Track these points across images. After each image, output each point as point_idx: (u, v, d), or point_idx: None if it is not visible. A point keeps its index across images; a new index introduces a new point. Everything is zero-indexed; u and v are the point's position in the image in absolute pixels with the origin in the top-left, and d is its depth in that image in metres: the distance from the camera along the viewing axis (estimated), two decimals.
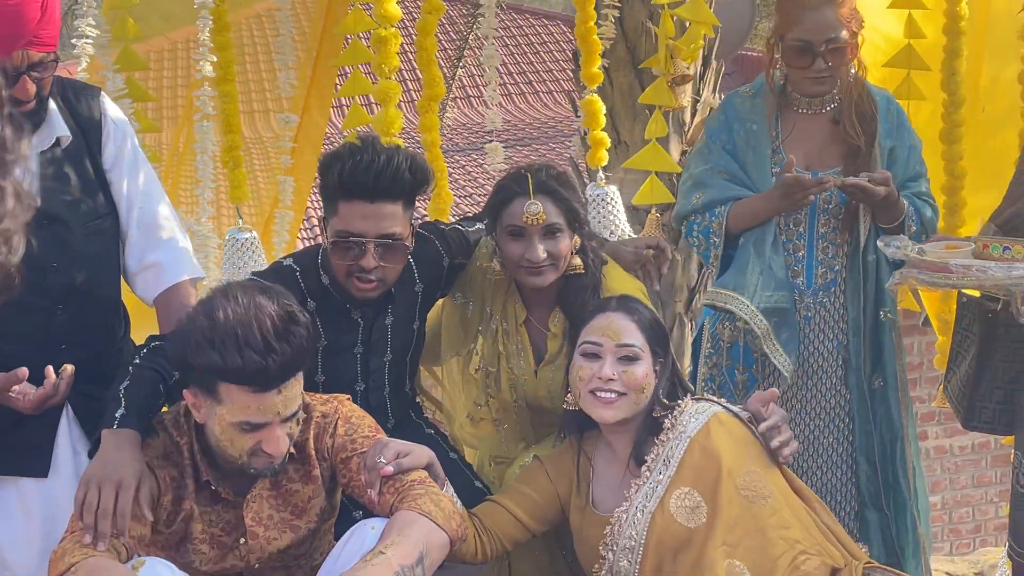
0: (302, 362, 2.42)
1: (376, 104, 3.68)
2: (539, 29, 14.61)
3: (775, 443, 2.71)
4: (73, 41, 3.57)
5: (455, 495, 2.69)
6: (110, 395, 2.54)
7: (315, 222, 8.41)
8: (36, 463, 2.73)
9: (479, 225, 3.19)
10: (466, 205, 9.03)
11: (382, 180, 2.77)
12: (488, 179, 9.53)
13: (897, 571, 2.81)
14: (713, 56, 5.17)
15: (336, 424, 2.61)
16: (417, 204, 2.94)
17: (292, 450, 2.56)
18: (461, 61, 8.64)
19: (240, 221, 3.74)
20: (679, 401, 2.80)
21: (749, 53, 10.89)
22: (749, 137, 3.42)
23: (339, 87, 4.82)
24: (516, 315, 3.14)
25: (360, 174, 2.77)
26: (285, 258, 3.04)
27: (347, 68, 4.08)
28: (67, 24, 5.61)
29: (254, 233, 3.69)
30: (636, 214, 5.00)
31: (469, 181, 10.07)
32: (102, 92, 2.89)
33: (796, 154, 3.37)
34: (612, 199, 3.87)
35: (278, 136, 4.72)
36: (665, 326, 2.98)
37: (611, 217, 3.83)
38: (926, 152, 3.55)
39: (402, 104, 3.59)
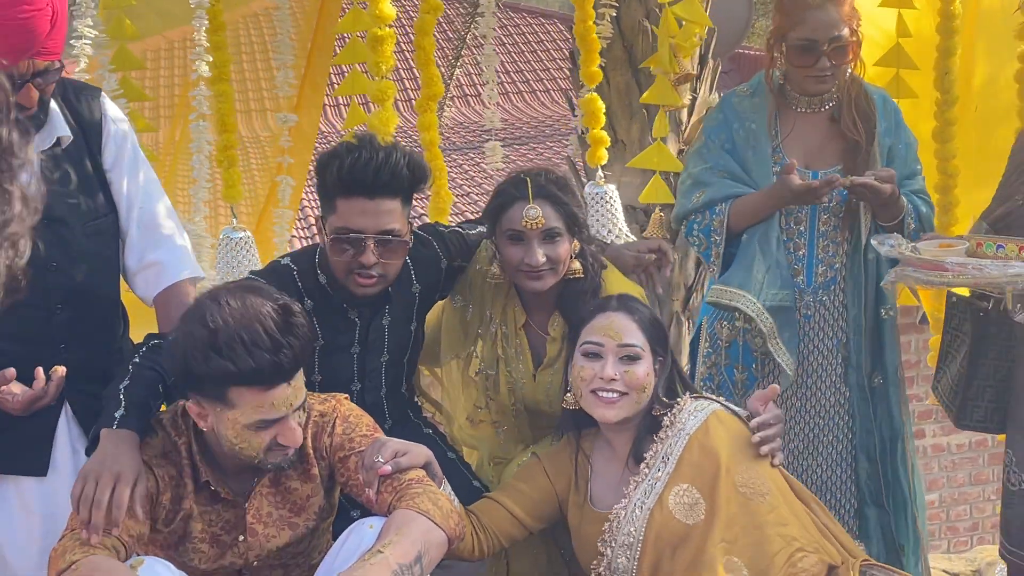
0: (309, 351, 2.45)
1: (372, 103, 3.69)
2: (536, 28, 14.61)
3: (757, 437, 2.72)
4: (72, 42, 3.57)
5: (453, 494, 2.69)
6: (109, 393, 2.54)
7: (311, 220, 8.42)
8: (35, 462, 2.74)
9: (479, 228, 3.19)
10: (464, 204, 9.03)
11: (381, 176, 2.78)
12: (486, 178, 9.55)
13: (895, 569, 2.82)
14: (710, 55, 5.18)
15: (334, 423, 2.61)
16: (416, 205, 2.95)
17: None
18: (459, 61, 8.64)
19: (234, 220, 3.75)
20: (678, 399, 2.82)
21: (746, 52, 10.88)
22: (749, 136, 3.42)
23: (335, 86, 4.82)
24: (515, 319, 3.14)
25: (359, 171, 2.78)
26: (282, 257, 3.05)
27: (342, 66, 4.08)
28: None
29: (248, 232, 3.69)
30: (634, 213, 5.01)
31: (467, 180, 10.07)
32: (103, 92, 2.90)
33: (795, 152, 3.37)
34: (611, 198, 3.87)
35: (275, 135, 4.72)
36: (664, 325, 2.99)
37: (610, 216, 3.84)
38: (918, 151, 3.56)
39: (400, 103, 3.60)
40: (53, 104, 2.68)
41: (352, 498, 2.69)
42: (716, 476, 2.66)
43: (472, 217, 3.87)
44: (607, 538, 2.71)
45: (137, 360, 2.61)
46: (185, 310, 2.47)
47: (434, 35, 4.15)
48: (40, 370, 2.54)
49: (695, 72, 5.06)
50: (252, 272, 3.09)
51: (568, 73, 6.05)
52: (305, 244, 7.87)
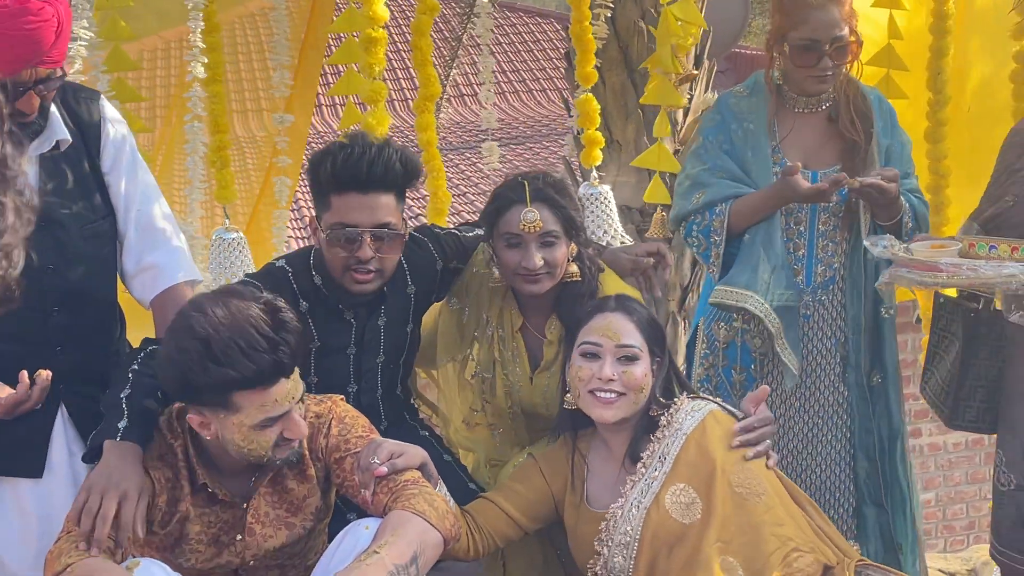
0: (303, 343, 2.45)
1: (363, 104, 3.69)
2: (532, 28, 14.61)
3: (737, 442, 2.73)
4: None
5: (448, 494, 2.70)
6: (110, 401, 2.55)
7: (307, 220, 8.41)
8: (31, 463, 2.74)
9: (476, 231, 3.19)
10: (461, 204, 9.03)
11: (374, 170, 2.80)
12: (483, 179, 9.55)
13: (890, 568, 2.83)
14: (705, 55, 5.17)
15: (330, 424, 2.62)
16: (413, 205, 2.95)
17: None
18: (455, 61, 8.64)
19: (227, 221, 3.74)
20: (675, 399, 2.83)
21: (743, 51, 10.89)
22: (747, 136, 3.42)
23: (330, 85, 4.82)
24: (512, 322, 3.14)
25: (352, 165, 2.80)
26: (277, 259, 3.05)
27: (333, 65, 4.07)
28: None
29: (241, 233, 3.69)
30: (630, 214, 5.01)
31: (463, 180, 10.08)
32: (102, 95, 2.91)
33: (794, 152, 3.38)
34: (606, 199, 3.87)
35: (271, 135, 4.72)
36: (662, 326, 2.99)
37: (605, 217, 3.83)
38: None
39: (397, 103, 3.60)
40: (52, 107, 2.69)
41: (348, 499, 2.70)
42: (712, 476, 2.67)
43: (469, 217, 3.88)
44: (603, 537, 2.72)
45: (136, 367, 2.61)
46: (171, 322, 2.46)
47: (431, 35, 4.15)
48: (24, 374, 2.55)
49: (696, 73, 5.06)
50: (247, 275, 3.10)
51: (564, 73, 6.06)
52: (303, 243, 7.86)
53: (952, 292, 3.26)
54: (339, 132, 3.78)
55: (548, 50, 13.90)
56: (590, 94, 4.01)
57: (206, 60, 3.68)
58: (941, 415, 3.41)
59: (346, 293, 2.93)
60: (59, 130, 2.71)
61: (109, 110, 2.87)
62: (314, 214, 2.94)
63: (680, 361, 4.07)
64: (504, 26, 14.46)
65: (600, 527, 2.73)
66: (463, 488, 3.01)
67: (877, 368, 3.48)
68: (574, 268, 3.05)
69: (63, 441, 2.77)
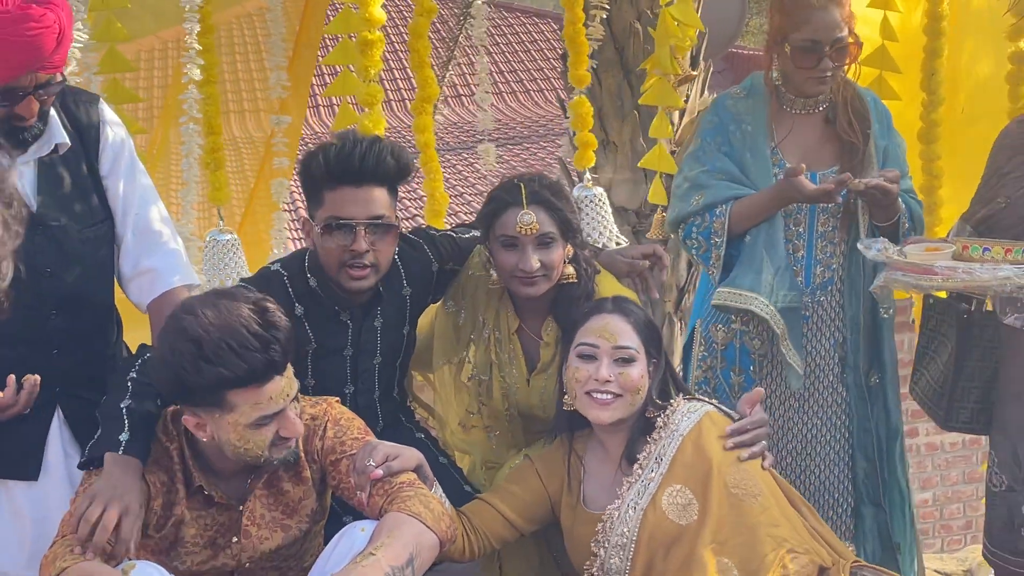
0: (294, 340, 2.46)
1: (354, 103, 3.69)
2: (530, 27, 14.63)
3: (730, 444, 2.73)
4: None
5: (444, 496, 2.70)
6: (109, 410, 2.56)
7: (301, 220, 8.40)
8: (27, 466, 2.74)
9: (472, 233, 3.19)
10: (458, 205, 9.03)
11: (366, 163, 2.81)
12: (480, 179, 9.56)
13: (883, 569, 2.83)
14: (701, 56, 5.18)
15: (326, 426, 2.63)
16: (410, 206, 2.96)
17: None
18: (452, 62, 8.64)
19: (221, 223, 3.74)
20: (671, 400, 2.83)
21: (739, 51, 10.90)
22: (745, 138, 3.41)
23: (325, 86, 4.81)
24: (509, 324, 3.14)
25: (344, 160, 2.81)
26: (272, 263, 3.05)
27: (326, 65, 4.06)
28: None
29: (234, 235, 3.69)
30: (626, 215, 5.01)
31: (460, 181, 10.08)
32: (101, 99, 2.91)
33: (792, 153, 3.38)
34: (600, 200, 3.87)
35: (268, 136, 4.71)
36: (658, 327, 2.99)
37: (600, 218, 3.83)
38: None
39: (395, 103, 3.60)
40: (51, 111, 2.70)
41: (344, 501, 2.70)
42: (709, 477, 2.68)
43: (466, 218, 3.88)
44: (600, 539, 2.73)
45: (135, 375, 2.61)
46: (163, 326, 2.47)
47: (428, 36, 4.15)
48: (12, 378, 2.55)
49: (695, 74, 5.06)
50: (242, 280, 3.12)
51: (561, 74, 6.06)
52: (301, 245, 7.84)
53: (942, 293, 3.26)
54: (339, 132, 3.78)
55: (545, 50, 13.92)
56: (583, 96, 4.00)
57: (202, 62, 3.68)
58: (935, 417, 3.41)
59: (342, 294, 2.93)
60: (58, 134, 2.71)
61: (108, 113, 2.87)
62: (307, 215, 2.94)
63: (676, 362, 4.07)
64: (501, 26, 14.47)
65: (597, 528, 2.74)
66: (459, 490, 3.01)
67: (875, 368, 3.48)
68: (570, 270, 3.05)
69: (59, 444, 2.77)
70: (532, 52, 14.26)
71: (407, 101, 10.96)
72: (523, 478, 2.89)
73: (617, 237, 3.84)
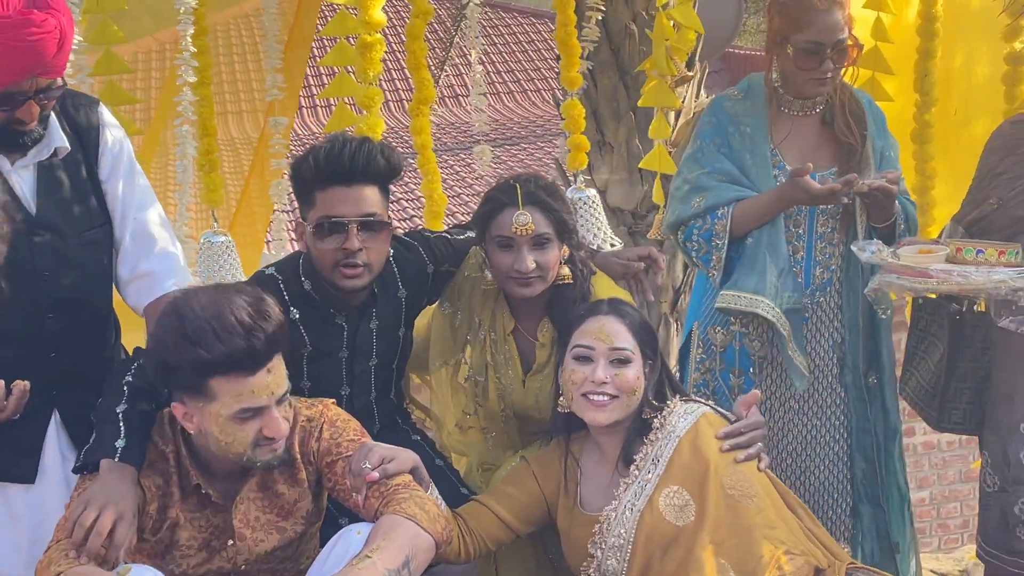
0: (283, 337, 2.46)
1: (352, 104, 3.69)
2: (527, 27, 14.63)
3: (726, 446, 2.74)
4: None
5: (440, 498, 2.70)
6: (104, 414, 2.56)
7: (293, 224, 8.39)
8: (23, 469, 2.74)
9: (468, 234, 3.19)
10: (455, 205, 9.03)
11: (357, 162, 2.81)
12: (477, 179, 9.55)
13: (876, 570, 2.84)
14: (697, 58, 5.18)
15: (322, 428, 2.63)
16: (407, 207, 2.96)
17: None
18: (447, 62, 8.64)
19: (215, 225, 3.74)
20: (668, 402, 2.83)
21: (736, 51, 10.90)
22: (745, 140, 3.40)
23: (323, 87, 4.81)
24: (504, 325, 3.14)
25: (334, 160, 2.81)
26: (267, 267, 3.05)
27: (319, 64, 4.05)
28: None
29: (229, 236, 3.69)
30: (622, 216, 5.02)
31: (457, 181, 10.07)
32: (100, 103, 2.91)
33: (791, 155, 3.37)
34: (594, 202, 3.87)
35: (266, 137, 4.71)
36: (653, 328, 2.99)
37: (593, 220, 3.83)
38: None
39: (392, 104, 3.59)
40: (51, 115, 2.70)
41: (340, 503, 2.70)
42: (705, 478, 2.68)
43: (463, 218, 3.88)
44: (597, 540, 2.73)
45: (131, 379, 2.61)
46: (159, 314, 2.50)
47: (425, 36, 4.15)
48: (1, 383, 2.55)
49: (692, 75, 5.06)
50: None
51: (558, 74, 6.06)
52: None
53: (933, 294, 3.27)
54: (327, 134, 3.78)
55: (542, 50, 13.93)
56: (576, 98, 4.01)
57: (197, 64, 3.68)
58: (927, 418, 3.42)
59: (337, 297, 2.93)
60: (57, 138, 2.72)
61: (108, 117, 2.88)
62: (299, 217, 2.95)
63: (672, 363, 4.07)
64: (499, 26, 14.48)
65: (593, 530, 2.74)
66: (455, 492, 3.01)
67: (873, 369, 3.48)
68: (566, 271, 3.05)
69: (56, 447, 2.77)
70: (529, 52, 14.27)
71: (404, 102, 10.96)
72: (519, 480, 2.90)
73: (612, 239, 3.84)
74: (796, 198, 3.27)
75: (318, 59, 4.75)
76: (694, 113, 4.98)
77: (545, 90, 13.37)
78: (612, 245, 3.77)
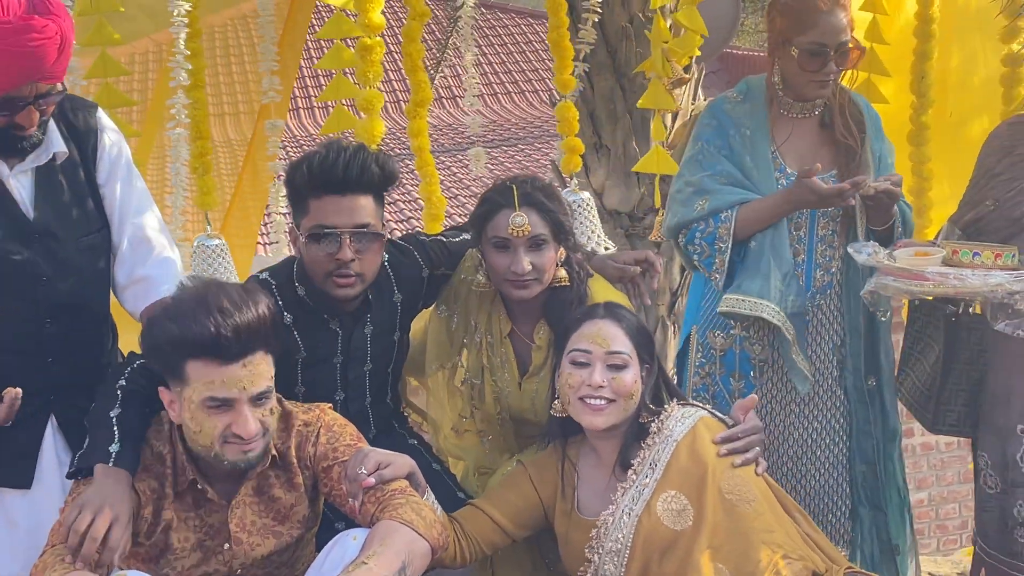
0: (264, 333, 2.46)
1: (350, 106, 3.68)
2: (524, 28, 14.63)
3: (724, 451, 2.73)
4: None
5: (436, 503, 2.70)
6: (98, 418, 2.56)
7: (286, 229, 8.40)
8: (20, 474, 2.74)
9: (464, 236, 3.19)
10: (452, 207, 9.02)
11: (351, 171, 2.80)
12: (474, 181, 9.54)
13: (871, 575, 2.84)
14: (694, 59, 5.16)
15: (318, 433, 2.63)
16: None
17: (275, 453, 2.58)
18: (442, 63, 8.62)
19: (209, 228, 3.74)
20: (665, 406, 2.83)
21: (733, 51, 10.90)
22: (745, 142, 3.39)
23: (321, 88, 4.80)
24: (501, 327, 3.14)
25: (328, 168, 2.80)
26: (261, 272, 3.05)
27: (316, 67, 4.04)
28: None
29: (222, 240, 3.68)
30: (619, 218, 5.01)
31: (455, 182, 10.06)
32: (99, 107, 2.91)
33: (791, 157, 3.37)
34: (587, 205, 3.87)
35: (251, 139, 4.71)
36: (650, 332, 2.99)
37: (587, 223, 3.82)
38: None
39: (388, 106, 3.59)
40: (50, 120, 2.70)
41: (336, 509, 2.70)
42: (703, 482, 2.68)
43: (460, 220, 3.87)
44: (594, 545, 2.73)
45: (124, 384, 2.61)
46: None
47: (423, 37, 4.14)
48: None
49: (688, 77, 5.05)
50: None
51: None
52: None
53: (928, 296, 3.27)
54: (325, 136, 3.77)
55: (540, 51, 13.93)
56: (569, 101, 4.01)
57: (189, 67, 3.67)
58: (922, 420, 3.42)
59: (330, 302, 2.92)
60: (56, 142, 2.72)
61: (106, 121, 2.88)
62: (293, 223, 2.94)
63: (670, 367, 4.06)
64: (496, 27, 14.48)
65: (591, 534, 2.73)
66: (452, 497, 3.01)
67: (872, 371, 3.48)
68: (563, 273, 3.04)
69: (53, 452, 2.77)
70: (527, 53, 14.28)
71: (402, 103, 10.96)
72: (516, 484, 2.89)
73: (605, 242, 3.84)
74: (804, 200, 3.26)
75: (315, 61, 4.74)
76: (691, 115, 4.97)
77: (543, 91, 13.38)
78: (605, 248, 3.77)
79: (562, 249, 3.04)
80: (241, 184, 4.95)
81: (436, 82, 8.97)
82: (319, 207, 2.83)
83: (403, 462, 2.56)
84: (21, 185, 2.68)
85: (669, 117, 4.96)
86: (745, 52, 11.83)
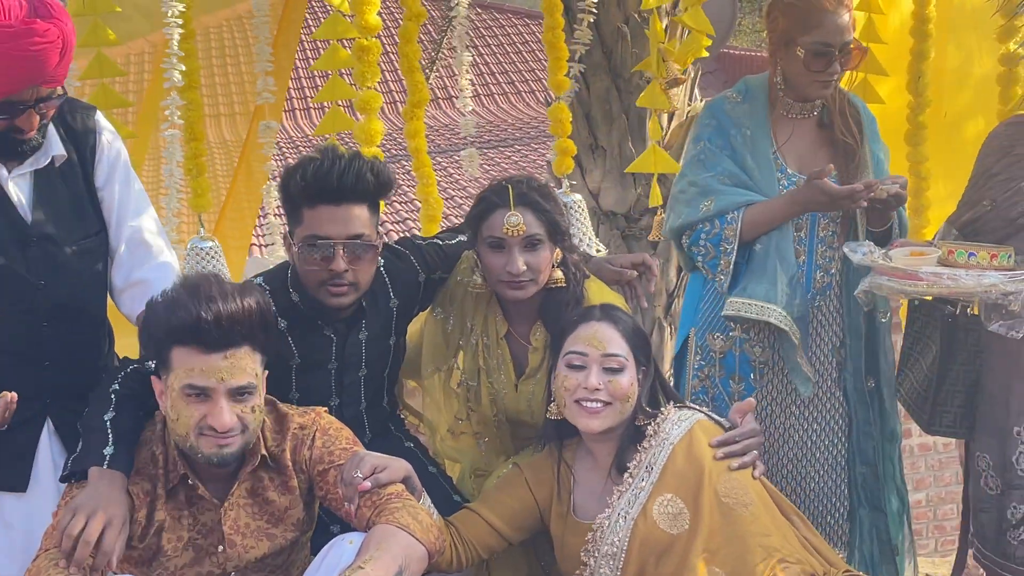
0: (248, 327, 2.46)
1: (345, 106, 3.66)
2: (521, 29, 14.63)
3: (721, 454, 2.72)
4: None
5: (432, 506, 2.69)
6: (92, 422, 2.55)
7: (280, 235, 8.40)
8: (16, 477, 2.73)
9: (460, 238, 3.18)
10: (447, 207, 9.01)
11: (345, 181, 2.78)
12: (471, 181, 9.53)
13: None
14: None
15: (314, 436, 2.63)
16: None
17: (265, 453, 2.58)
18: (437, 63, 8.61)
19: (202, 230, 3.72)
20: (662, 409, 2.82)
21: (730, 51, 10.89)
22: (746, 141, 3.37)
23: (317, 89, 4.79)
24: (497, 329, 3.13)
25: (322, 178, 2.78)
26: (255, 277, 3.04)
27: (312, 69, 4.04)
28: None
29: (216, 242, 3.67)
30: (615, 219, 5.00)
31: (451, 184, 10.06)
32: (97, 110, 2.91)
33: (791, 158, 3.36)
34: (579, 207, 3.87)
35: (245, 140, 4.69)
36: (647, 335, 2.98)
37: (578, 225, 3.82)
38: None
39: (385, 107, 3.58)
40: (49, 123, 2.70)
41: (332, 512, 2.69)
42: (700, 486, 2.67)
43: (457, 221, 3.87)
44: (590, 548, 2.72)
45: (118, 388, 2.61)
46: None
47: (419, 38, 4.13)
48: None
49: (684, 77, 5.04)
50: None
51: None
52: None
53: (928, 296, 3.26)
54: (323, 137, 3.76)
55: (536, 51, 13.92)
56: (562, 102, 4.00)
57: (183, 68, 3.65)
58: (919, 420, 3.41)
59: (324, 309, 2.91)
60: (55, 146, 2.72)
61: (105, 125, 2.88)
62: (287, 230, 2.93)
63: (666, 368, 4.06)
64: (493, 27, 14.48)
65: (587, 538, 2.73)
66: (448, 500, 3.00)
67: (872, 372, 3.47)
68: (559, 274, 3.03)
69: (48, 455, 2.76)
70: (523, 53, 14.27)
71: (398, 104, 10.95)
72: (511, 486, 2.88)
73: (596, 244, 3.83)
74: (814, 201, 3.25)
75: (311, 62, 4.73)
76: (687, 115, 4.96)
77: (539, 91, 13.38)
78: (597, 251, 3.76)
79: (558, 251, 3.03)
80: (236, 185, 4.93)
81: (432, 82, 8.96)
82: (313, 216, 2.81)
83: (399, 466, 2.56)
84: (19, 189, 2.68)
85: (665, 117, 4.95)
86: (742, 52, 11.83)
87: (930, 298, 3.24)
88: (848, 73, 3.43)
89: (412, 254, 3.10)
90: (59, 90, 2.61)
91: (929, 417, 3.34)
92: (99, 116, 2.87)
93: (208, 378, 2.42)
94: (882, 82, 4.05)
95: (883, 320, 3.44)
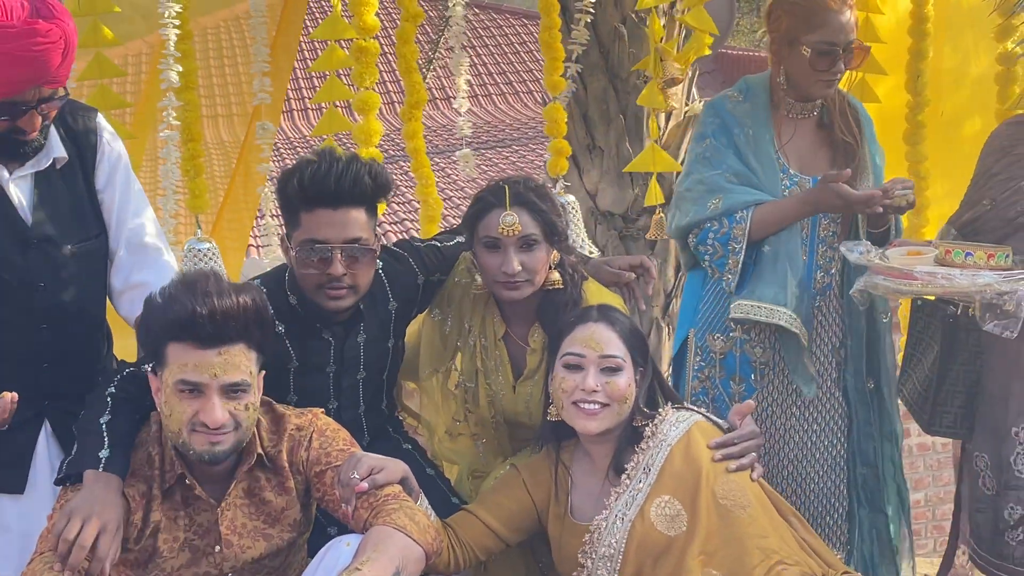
0: (243, 324, 2.46)
1: (343, 107, 3.66)
2: (519, 29, 14.62)
3: (719, 455, 2.72)
4: None
5: (430, 508, 2.68)
6: (87, 425, 2.55)
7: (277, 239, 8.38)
8: (13, 479, 2.73)
9: (457, 239, 3.17)
10: (445, 208, 8.99)
11: (343, 184, 2.77)
12: (469, 182, 9.53)
13: None
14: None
15: (311, 437, 2.62)
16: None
17: (261, 453, 2.58)
18: (433, 63, 8.61)
19: (199, 231, 3.72)
20: (659, 410, 2.81)
21: (728, 51, 10.89)
22: (749, 141, 3.36)
23: (315, 90, 4.79)
24: (495, 330, 3.12)
25: (320, 181, 2.77)
26: (253, 279, 3.03)
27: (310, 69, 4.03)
28: None
29: (213, 243, 3.67)
30: (612, 219, 4.99)
31: (449, 184, 10.05)
32: (99, 113, 2.90)
33: (792, 158, 3.36)
34: (573, 209, 3.86)
35: (243, 141, 4.69)
36: (644, 336, 2.97)
37: (571, 227, 3.81)
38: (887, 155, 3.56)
39: (383, 106, 3.58)
40: (50, 124, 2.69)
41: (329, 514, 2.69)
42: (697, 487, 2.67)
43: (454, 222, 3.85)
44: (587, 550, 2.72)
45: (114, 391, 2.61)
46: None
47: (416, 39, 4.13)
48: None
49: (681, 77, 5.03)
50: None
51: None
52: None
53: (930, 296, 3.26)
54: (320, 138, 3.75)
55: (534, 52, 13.91)
56: (558, 103, 4.00)
57: (180, 68, 3.65)
58: (919, 421, 3.41)
59: (322, 312, 2.90)
60: (56, 148, 2.72)
61: (106, 127, 2.87)
62: (284, 233, 2.92)
63: (664, 368, 4.05)
64: (491, 28, 14.47)
65: (584, 539, 2.72)
66: (446, 502, 3.00)
67: (872, 372, 3.47)
68: (556, 275, 3.03)
69: (46, 457, 2.76)
70: (521, 54, 14.27)
71: (396, 104, 10.94)
72: (508, 487, 2.88)
73: (589, 246, 3.83)
74: (828, 204, 3.24)
75: (309, 63, 4.73)
76: (685, 115, 4.96)
77: (536, 92, 13.37)
78: (591, 252, 3.75)
79: (555, 252, 3.03)
80: (233, 187, 4.92)
81: (429, 83, 8.96)
82: (310, 220, 2.80)
83: (396, 467, 2.55)
84: (20, 190, 2.68)
85: (663, 117, 4.95)
86: (740, 52, 11.83)
87: (932, 298, 3.24)
88: (849, 73, 3.43)
89: (411, 256, 3.10)
90: (61, 91, 2.61)
91: (929, 417, 3.34)
92: (100, 118, 2.87)
93: (201, 373, 2.41)
94: (880, 82, 4.05)
95: (883, 320, 3.44)
